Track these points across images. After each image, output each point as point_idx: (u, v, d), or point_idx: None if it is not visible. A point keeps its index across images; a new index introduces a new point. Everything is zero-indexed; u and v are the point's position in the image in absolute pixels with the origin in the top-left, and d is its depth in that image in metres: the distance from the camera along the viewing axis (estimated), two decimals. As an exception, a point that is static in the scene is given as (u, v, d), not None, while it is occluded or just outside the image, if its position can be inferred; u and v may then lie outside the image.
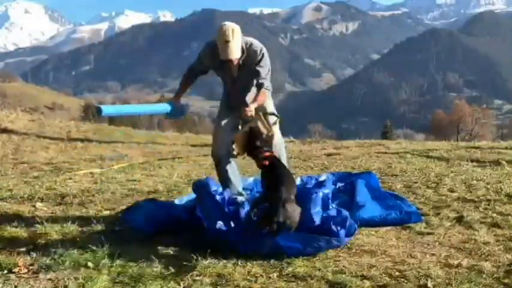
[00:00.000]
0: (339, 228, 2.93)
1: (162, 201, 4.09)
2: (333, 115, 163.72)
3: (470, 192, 4.30)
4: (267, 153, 3.21)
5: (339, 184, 4.09)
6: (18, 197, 4.48)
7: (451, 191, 4.37)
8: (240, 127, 3.47)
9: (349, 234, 3.00)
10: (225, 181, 3.57)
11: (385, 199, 3.69)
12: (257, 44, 3.45)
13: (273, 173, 3.08)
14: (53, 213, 3.75)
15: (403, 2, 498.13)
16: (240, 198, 3.45)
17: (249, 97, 3.50)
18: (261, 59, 3.41)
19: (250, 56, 3.41)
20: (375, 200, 3.65)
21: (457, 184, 4.65)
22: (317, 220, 2.98)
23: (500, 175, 5.11)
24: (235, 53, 3.26)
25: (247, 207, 3.15)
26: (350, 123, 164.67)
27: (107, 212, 3.81)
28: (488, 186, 4.48)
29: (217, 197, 3.19)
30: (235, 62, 3.36)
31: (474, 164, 6.10)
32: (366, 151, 8.11)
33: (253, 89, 3.49)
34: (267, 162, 3.15)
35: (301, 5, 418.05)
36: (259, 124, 3.34)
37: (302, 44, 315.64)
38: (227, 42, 3.21)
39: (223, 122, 3.59)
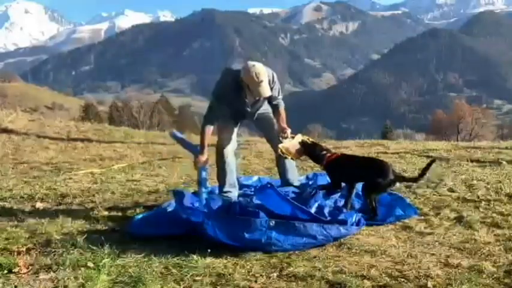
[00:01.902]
0: (347, 217, 3.14)
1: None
2: (333, 115, 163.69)
3: (470, 192, 4.30)
4: (332, 155, 3.76)
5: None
6: (18, 197, 4.48)
7: (451, 191, 4.37)
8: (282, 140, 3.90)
9: (357, 224, 3.18)
10: (224, 173, 3.94)
11: (381, 199, 3.72)
12: (269, 72, 3.74)
13: (353, 161, 3.80)
14: (53, 213, 3.75)
15: (403, 2, 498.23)
16: (232, 193, 3.93)
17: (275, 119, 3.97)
18: (274, 83, 3.77)
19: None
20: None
21: (457, 184, 4.64)
22: (326, 213, 3.27)
23: (500, 175, 5.11)
24: (268, 90, 3.63)
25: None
26: (350, 123, 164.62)
27: (106, 212, 3.81)
28: (488, 186, 4.47)
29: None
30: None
31: (474, 164, 6.09)
32: (366, 151, 8.10)
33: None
34: (333, 157, 3.73)
35: (301, 5, 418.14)
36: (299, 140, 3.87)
37: (302, 44, 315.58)
38: (261, 82, 3.54)
39: (229, 124, 3.96)
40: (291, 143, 3.87)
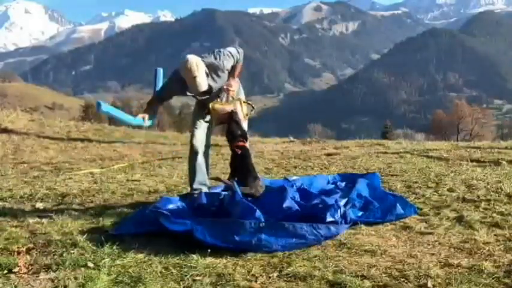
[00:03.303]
0: (336, 217, 3.16)
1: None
2: (333, 115, 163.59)
3: (470, 192, 4.30)
4: (242, 143, 3.72)
5: (341, 183, 4.26)
6: (18, 197, 4.48)
7: (451, 191, 4.37)
8: (219, 106, 3.80)
9: (344, 219, 3.21)
10: (194, 169, 3.94)
11: (382, 198, 3.74)
12: (212, 58, 3.70)
13: (243, 162, 3.72)
14: (53, 213, 3.75)
15: (403, 2, 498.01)
16: (204, 189, 3.92)
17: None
18: (219, 58, 3.71)
19: (214, 71, 3.71)
20: (375, 200, 3.70)
21: (457, 184, 4.64)
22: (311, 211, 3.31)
23: (500, 175, 5.11)
24: (203, 85, 3.57)
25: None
26: (350, 123, 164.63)
27: (106, 212, 3.81)
28: (488, 186, 4.47)
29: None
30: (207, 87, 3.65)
31: (474, 164, 6.09)
32: (366, 151, 8.11)
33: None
34: (239, 151, 3.72)
35: (301, 5, 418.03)
36: (238, 109, 3.77)
37: (302, 44, 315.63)
38: (194, 78, 3.49)
39: (201, 121, 3.94)
40: (225, 106, 3.77)
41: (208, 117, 3.97)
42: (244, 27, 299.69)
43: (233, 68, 3.84)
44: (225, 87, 3.79)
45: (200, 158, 3.94)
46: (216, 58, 3.72)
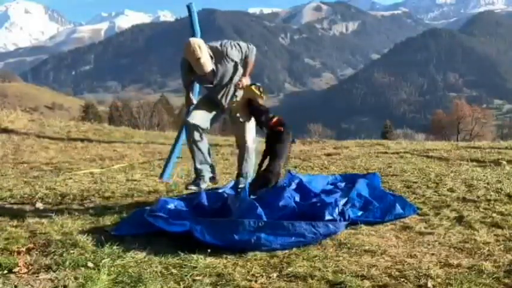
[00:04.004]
0: (334, 215, 3.17)
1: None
2: (333, 115, 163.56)
3: (470, 192, 4.30)
4: (276, 120, 3.87)
5: (341, 184, 4.26)
6: (18, 197, 4.48)
7: (451, 191, 4.37)
8: (235, 99, 3.95)
9: (345, 219, 3.22)
10: (192, 148, 3.94)
11: (381, 198, 3.74)
12: (218, 44, 3.76)
13: (280, 143, 3.82)
14: (53, 213, 3.75)
15: (403, 2, 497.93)
16: (206, 168, 3.97)
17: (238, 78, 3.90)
18: (223, 45, 3.75)
19: (217, 57, 3.73)
20: (374, 200, 3.71)
21: (457, 184, 4.64)
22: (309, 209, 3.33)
23: (500, 175, 5.11)
24: (208, 65, 3.60)
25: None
26: (350, 123, 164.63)
27: (106, 212, 3.81)
28: (488, 186, 4.47)
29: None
30: (211, 68, 3.68)
31: (474, 164, 6.09)
32: (366, 151, 8.11)
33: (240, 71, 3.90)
34: (281, 129, 3.84)
35: (301, 5, 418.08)
36: (251, 95, 3.86)
37: (302, 44, 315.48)
38: (198, 59, 3.53)
39: (203, 101, 4.03)
40: (241, 101, 3.91)
41: (211, 107, 3.97)
42: (244, 27, 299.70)
43: (244, 64, 3.88)
44: (238, 83, 3.85)
45: (197, 136, 3.92)
46: (221, 45, 3.76)
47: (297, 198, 3.60)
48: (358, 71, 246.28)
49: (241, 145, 4.07)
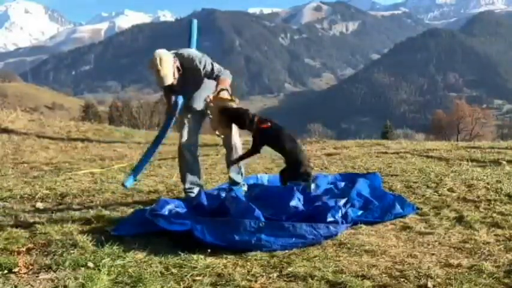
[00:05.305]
0: (336, 217, 3.16)
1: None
2: (333, 115, 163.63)
3: (470, 192, 4.30)
4: (257, 119, 3.79)
5: (340, 183, 4.26)
6: (18, 197, 4.48)
7: (451, 191, 4.36)
8: (208, 114, 3.95)
9: (345, 218, 3.21)
10: (182, 171, 4.03)
11: (381, 197, 3.75)
12: (186, 54, 3.81)
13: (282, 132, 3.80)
14: (53, 213, 3.75)
15: (403, 2, 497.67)
16: (196, 189, 3.98)
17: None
18: (195, 63, 3.79)
19: (186, 64, 3.78)
20: (374, 199, 3.71)
21: (457, 184, 4.64)
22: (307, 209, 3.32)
23: (500, 175, 5.10)
24: (166, 79, 3.63)
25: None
26: (350, 123, 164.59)
27: (107, 212, 3.81)
28: (488, 186, 4.47)
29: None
30: (171, 82, 3.70)
31: (474, 164, 6.09)
32: (366, 151, 8.10)
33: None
34: (269, 124, 3.78)
35: (301, 5, 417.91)
36: (226, 103, 3.78)
37: (302, 44, 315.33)
38: (158, 71, 3.58)
39: (187, 121, 4.02)
40: (215, 115, 3.83)
41: (195, 118, 4.02)
42: (244, 27, 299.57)
43: (216, 81, 3.87)
44: (206, 98, 3.84)
45: (189, 157, 3.98)
46: (190, 57, 3.79)
47: (302, 201, 3.57)
48: (358, 71, 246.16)
49: (227, 146, 4.09)
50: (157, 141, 4.40)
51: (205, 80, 3.93)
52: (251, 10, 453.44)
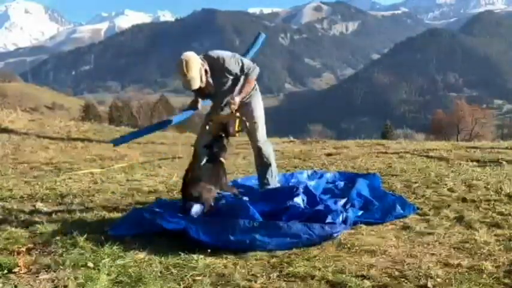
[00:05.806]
0: (336, 220, 3.14)
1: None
2: (333, 115, 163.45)
3: (470, 192, 4.30)
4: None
5: (340, 183, 4.27)
6: (18, 197, 4.49)
7: (451, 191, 4.37)
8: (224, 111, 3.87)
9: (345, 222, 3.19)
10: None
11: (381, 198, 3.74)
12: (215, 56, 3.69)
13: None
14: (53, 213, 3.75)
15: (403, 2, 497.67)
16: None
17: (236, 88, 3.80)
18: (224, 65, 3.66)
19: (215, 69, 3.66)
20: (374, 199, 3.71)
21: (457, 184, 4.64)
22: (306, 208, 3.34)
23: (500, 175, 5.11)
24: (193, 83, 3.54)
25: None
26: (350, 123, 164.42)
27: (106, 212, 3.81)
28: (488, 186, 4.47)
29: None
30: (198, 86, 3.61)
31: (474, 164, 6.09)
32: (366, 151, 8.10)
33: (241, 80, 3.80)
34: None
35: (301, 5, 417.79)
36: (232, 123, 3.79)
37: (302, 44, 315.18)
38: (184, 76, 3.49)
39: (207, 126, 3.94)
40: (223, 117, 3.82)
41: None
42: (244, 27, 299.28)
43: (242, 81, 3.79)
44: (231, 101, 3.72)
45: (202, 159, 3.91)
46: (219, 58, 3.67)
47: (305, 202, 3.56)
48: (358, 71, 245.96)
49: (253, 147, 3.98)
50: (164, 122, 4.32)
51: (230, 84, 3.80)
52: (251, 10, 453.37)
